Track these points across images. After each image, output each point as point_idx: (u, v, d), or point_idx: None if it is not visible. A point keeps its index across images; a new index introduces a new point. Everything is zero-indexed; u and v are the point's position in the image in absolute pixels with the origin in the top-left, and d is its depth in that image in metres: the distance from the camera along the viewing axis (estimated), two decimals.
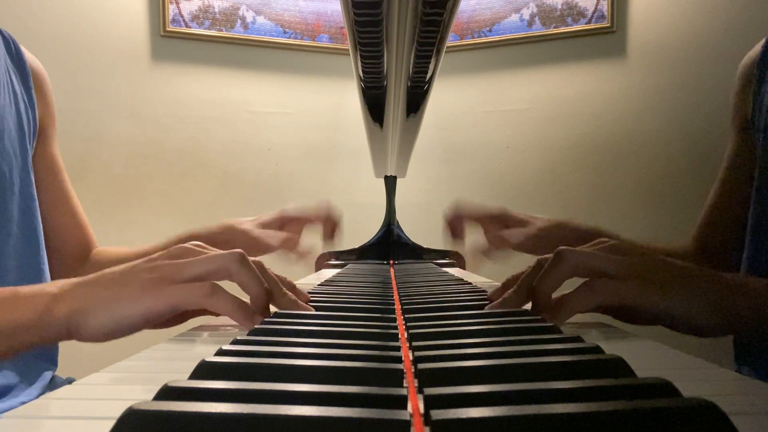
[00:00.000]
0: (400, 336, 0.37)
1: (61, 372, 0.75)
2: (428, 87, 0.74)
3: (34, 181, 0.72)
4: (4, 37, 0.73)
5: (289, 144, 1.90)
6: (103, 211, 1.69)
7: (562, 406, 0.20)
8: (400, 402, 0.22)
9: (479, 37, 1.88)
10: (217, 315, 0.48)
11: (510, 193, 1.85)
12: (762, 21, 1.58)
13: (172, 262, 0.43)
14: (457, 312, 0.45)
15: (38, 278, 0.70)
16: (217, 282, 0.43)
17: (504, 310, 0.45)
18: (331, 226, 0.84)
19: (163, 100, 1.80)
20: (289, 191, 1.89)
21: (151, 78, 1.80)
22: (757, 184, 0.70)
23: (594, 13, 1.78)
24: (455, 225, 0.81)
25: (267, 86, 1.89)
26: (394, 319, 0.42)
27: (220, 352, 0.30)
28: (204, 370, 0.27)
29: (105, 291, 0.41)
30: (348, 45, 0.66)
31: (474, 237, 0.81)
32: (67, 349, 0.64)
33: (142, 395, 0.23)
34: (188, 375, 0.26)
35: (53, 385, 0.71)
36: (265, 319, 0.42)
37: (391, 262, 1.19)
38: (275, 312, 0.45)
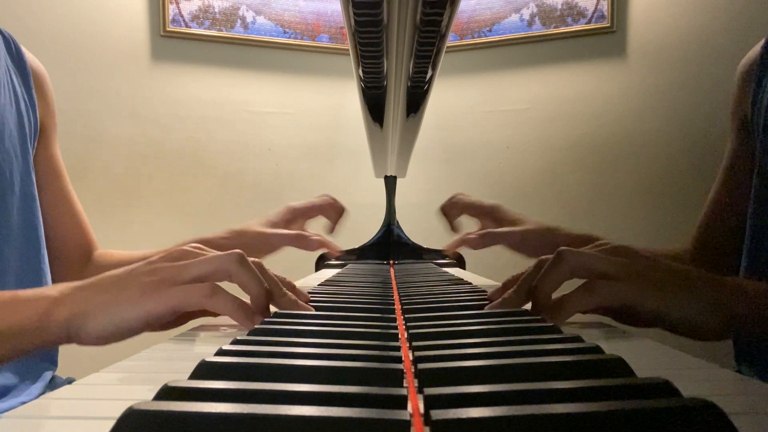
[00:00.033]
0: (400, 336, 0.37)
1: (61, 372, 0.75)
2: (428, 87, 0.74)
3: (35, 181, 0.72)
4: (4, 37, 0.73)
5: (289, 144, 1.90)
6: (103, 212, 1.69)
7: (562, 406, 0.20)
8: (400, 402, 0.22)
9: (479, 37, 1.88)
10: (216, 316, 0.48)
11: (510, 193, 1.85)
12: (762, 21, 1.58)
13: (172, 265, 0.43)
14: (457, 312, 0.45)
15: (39, 278, 0.70)
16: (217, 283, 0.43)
17: (504, 310, 0.45)
18: (337, 212, 0.88)
19: (163, 100, 1.80)
20: (289, 191, 1.89)
21: (151, 78, 1.80)
22: (756, 184, 0.70)
23: (594, 13, 1.78)
24: (450, 213, 0.85)
25: (267, 86, 1.89)
26: (394, 319, 0.42)
27: (220, 352, 0.30)
28: (204, 370, 0.27)
29: (105, 294, 0.41)
30: (348, 45, 0.66)
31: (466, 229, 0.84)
32: (67, 349, 0.64)
33: (142, 395, 0.23)
34: (188, 375, 0.26)
35: (53, 385, 0.71)
36: (265, 319, 0.42)
37: (391, 262, 1.19)
38: (275, 312, 0.45)
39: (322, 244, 0.83)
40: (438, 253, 1.22)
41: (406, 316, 0.43)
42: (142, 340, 0.42)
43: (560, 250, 0.44)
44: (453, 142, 1.91)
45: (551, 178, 1.83)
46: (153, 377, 0.32)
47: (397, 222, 1.23)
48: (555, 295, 0.44)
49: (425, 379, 0.25)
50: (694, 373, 0.31)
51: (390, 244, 1.21)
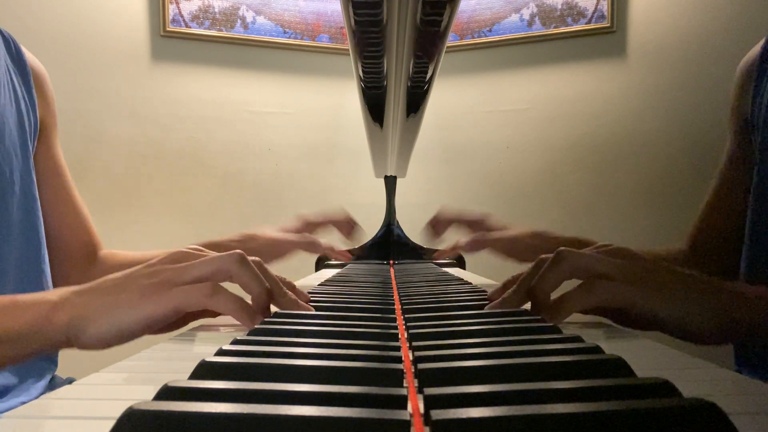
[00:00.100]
0: (400, 336, 0.37)
1: (61, 372, 0.75)
2: (428, 87, 0.74)
3: (35, 180, 0.72)
4: (4, 37, 0.73)
5: (289, 144, 1.90)
6: (103, 211, 1.69)
7: (562, 406, 0.20)
8: (400, 402, 0.22)
9: (479, 37, 1.88)
10: (215, 316, 0.48)
11: (510, 193, 1.85)
12: (762, 21, 1.58)
13: (172, 266, 0.43)
14: (457, 312, 0.45)
15: (39, 279, 0.70)
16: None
17: (504, 310, 0.45)
18: (349, 226, 0.89)
19: (163, 100, 1.80)
20: (289, 191, 1.89)
21: (151, 78, 1.80)
22: (756, 184, 0.70)
23: (594, 13, 1.78)
24: (436, 226, 0.87)
25: (267, 86, 1.89)
26: (394, 319, 0.42)
27: (220, 352, 0.30)
28: (204, 370, 0.27)
29: (104, 298, 0.41)
30: (348, 45, 0.66)
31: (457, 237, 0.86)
32: (67, 349, 0.64)
33: (142, 395, 0.23)
34: (188, 375, 0.26)
35: (53, 385, 0.71)
36: (265, 319, 0.42)
37: (391, 262, 1.19)
38: (275, 312, 0.45)
39: (332, 249, 0.85)
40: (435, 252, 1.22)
41: (406, 316, 0.43)
42: (142, 341, 0.42)
43: (560, 249, 0.44)
44: (453, 142, 1.91)
45: (551, 178, 1.83)
46: (153, 377, 0.32)
47: (397, 222, 1.23)
48: (554, 296, 0.44)
49: (425, 379, 0.25)
50: (694, 373, 0.31)
51: (390, 243, 1.21)
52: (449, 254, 0.88)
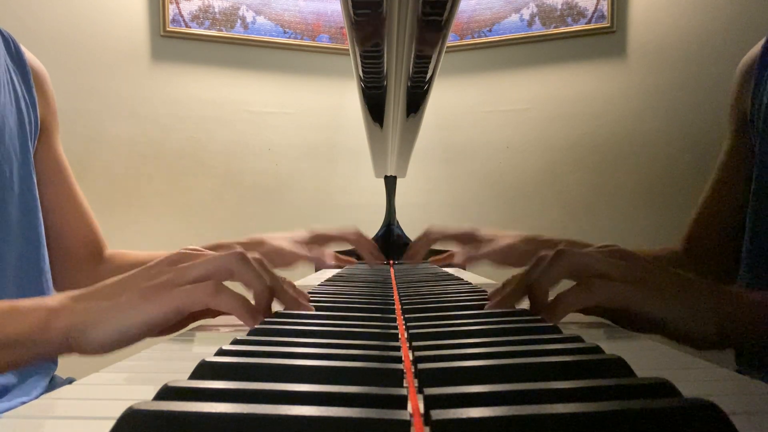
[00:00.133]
0: (400, 336, 0.37)
1: (61, 372, 0.75)
2: (428, 87, 0.74)
3: (36, 180, 0.72)
4: (3, 36, 0.73)
5: (289, 144, 1.90)
6: (103, 211, 1.68)
7: (562, 406, 0.20)
8: (400, 402, 0.22)
9: (479, 37, 1.88)
10: (215, 316, 0.48)
11: (510, 193, 1.85)
12: (762, 21, 1.58)
13: (173, 267, 0.43)
14: (457, 312, 0.45)
15: (39, 279, 0.70)
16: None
17: (504, 310, 0.45)
18: (368, 247, 0.86)
19: (163, 100, 1.80)
20: (289, 191, 1.89)
21: (151, 78, 1.80)
22: (756, 184, 0.70)
23: (594, 13, 1.78)
24: (416, 247, 0.85)
25: (267, 86, 1.89)
26: (394, 319, 0.42)
27: (220, 352, 0.30)
28: (204, 370, 0.27)
29: (104, 302, 0.40)
30: (348, 45, 0.66)
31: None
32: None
33: (142, 395, 0.23)
34: (188, 375, 0.26)
35: (53, 385, 0.71)
36: (265, 319, 0.42)
37: (391, 262, 1.19)
38: (275, 312, 0.45)
39: (337, 258, 0.84)
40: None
41: (406, 316, 0.43)
42: (142, 341, 0.42)
43: (560, 248, 0.44)
44: (453, 142, 1.91)
45: (551, 178, 1.83)
46: (153, 377, 0.32)
47: (397, 222, 1.24)
48: (552, 295, 0.44)
49: (425, 379, 0.25)
50: (694, 373, 0.31)
51: (390, 243, 1.21)
52: (443, 262, 0.88)
